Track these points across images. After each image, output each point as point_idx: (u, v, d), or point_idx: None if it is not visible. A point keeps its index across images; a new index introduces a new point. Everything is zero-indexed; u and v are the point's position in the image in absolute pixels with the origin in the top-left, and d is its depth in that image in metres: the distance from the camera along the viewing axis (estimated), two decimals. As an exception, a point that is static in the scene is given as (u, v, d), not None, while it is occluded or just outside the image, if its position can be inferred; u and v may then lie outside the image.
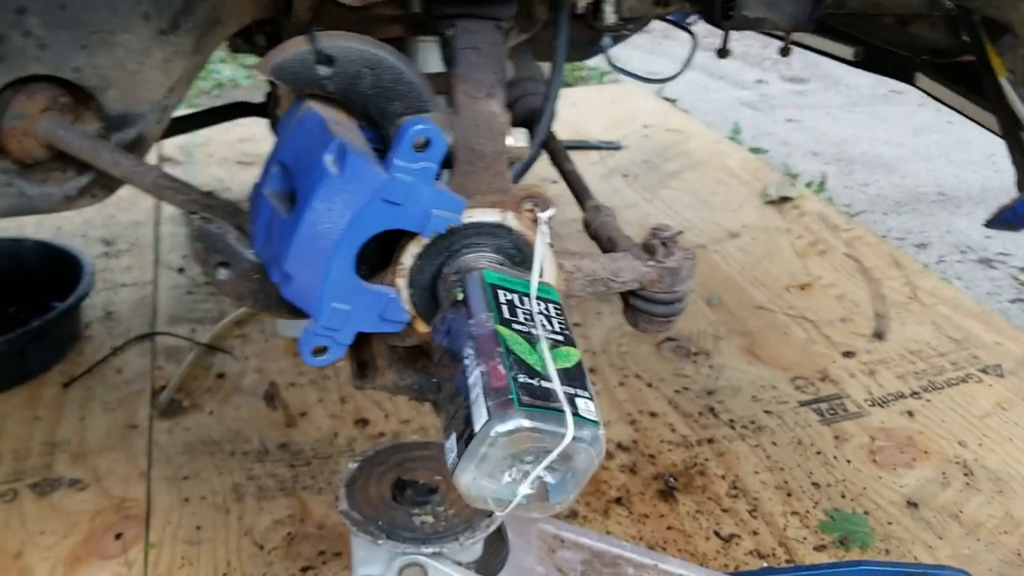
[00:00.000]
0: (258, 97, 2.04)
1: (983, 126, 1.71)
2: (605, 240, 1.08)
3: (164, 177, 1.10)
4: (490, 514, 1.08)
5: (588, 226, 1.12)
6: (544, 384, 0.76)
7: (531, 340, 0.80)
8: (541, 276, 0.90)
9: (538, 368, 0.77)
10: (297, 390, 2.03)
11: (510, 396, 0.73)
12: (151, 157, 1.25)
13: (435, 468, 1.15)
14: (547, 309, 0.85)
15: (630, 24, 1.33)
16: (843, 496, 1.80)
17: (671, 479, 1.83)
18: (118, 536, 1.62)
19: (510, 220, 0.91)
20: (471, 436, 0.74)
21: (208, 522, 1.67)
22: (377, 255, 0.93)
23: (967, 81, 1.81)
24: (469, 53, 0.90)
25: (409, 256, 0.90)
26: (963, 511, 1.77)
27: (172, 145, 3.29)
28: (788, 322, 2.37)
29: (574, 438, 0.73)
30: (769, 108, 4.48)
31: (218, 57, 4.28)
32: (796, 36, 1.85)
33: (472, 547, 1.09)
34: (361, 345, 1.04)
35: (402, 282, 0.91)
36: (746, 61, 5.07)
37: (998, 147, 1.46)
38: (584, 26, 1.29)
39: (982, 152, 3.71)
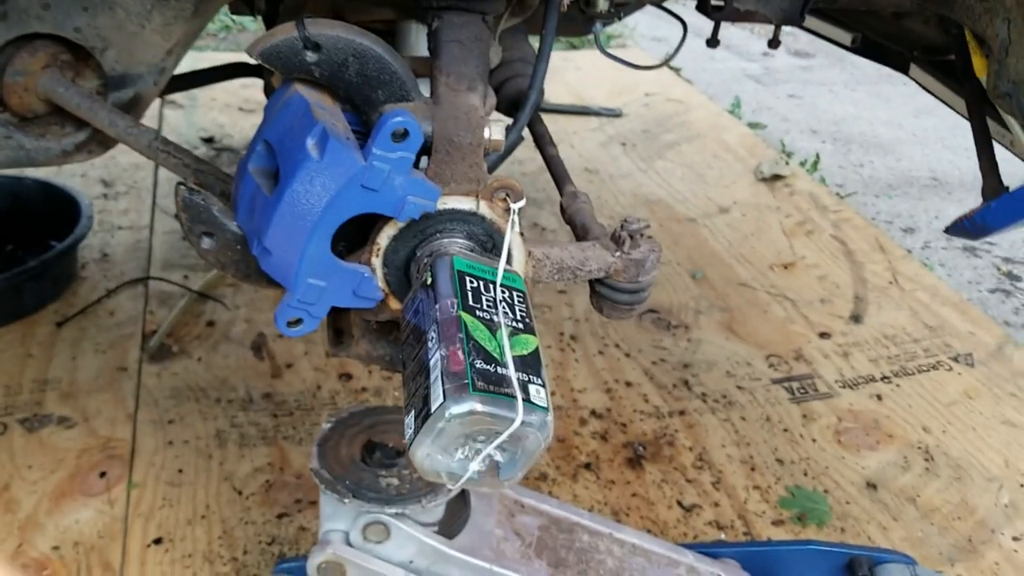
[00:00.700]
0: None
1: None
2: (579, 227, 1.12)
3: (158, 140, 1.13)
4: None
5: (564, 212, 1.16)
6: (500, 370, 0.81)
7: (492, 327, 0.85)
8: (510, 264, 0.95)
9: (496, 354, 0.83)
10: (284, 342, 2.08)
11: (466, 381, 0.79)
12: (155, 100, 1.28)
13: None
14: (511, 297, 0.90)
15: (622, 11, 1.36)
16: (805, 474, 1.86)
17: (640, 448, 1.89)
18: (102, 474, 1.69)
19: (483, 208, 0.95)
20: (428, 415, 0.79)
21: (190, 466, 1.73)
22: (356, 233, 0.97)
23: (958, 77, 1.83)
24: (452, 46, 0.94)
25: (385, 237, 0.95)
26: (920, 495, 1.83)
27: (176, 87, 3.31)
28: (769, 300, 2.42)
29: (523, 423, 0.79)
30: (772, 82, 4.49)
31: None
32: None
33: (434, 509, 1.15)
34: (339, 313, 1.09)
35: (377, 261, 0.96)
36: (754, 31, 5.06)
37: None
38: (577, 10, 1.32)
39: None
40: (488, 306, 0.87)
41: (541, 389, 0.83)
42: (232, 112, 3.24)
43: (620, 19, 1.30)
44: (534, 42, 1.61)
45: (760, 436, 1.95)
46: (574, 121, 3.45)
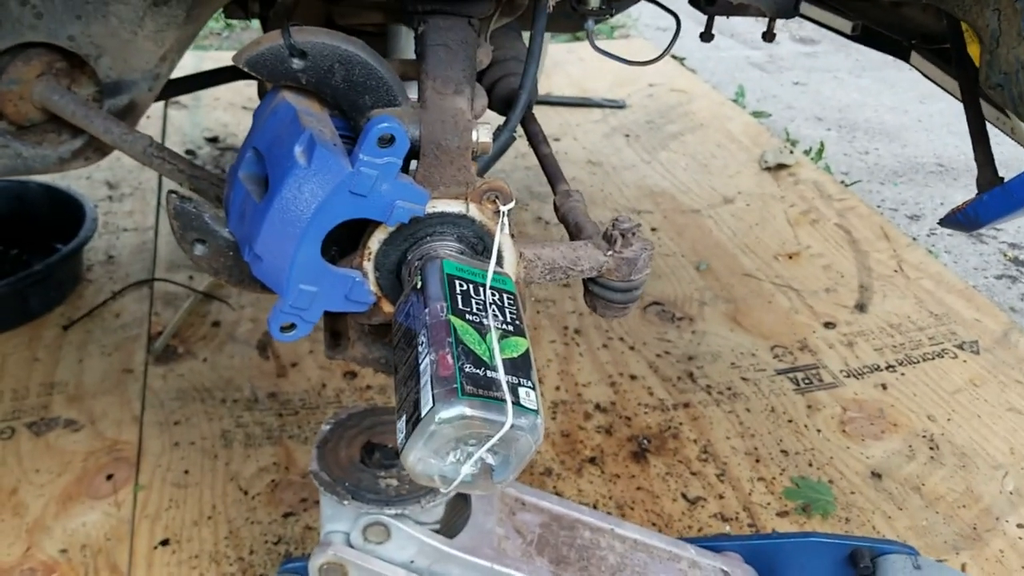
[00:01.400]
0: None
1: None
2: (572, 225, 1.12)
3: (153, 146, 1.14)
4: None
5: (557, 210, 1.17)
6: (489, 374, 0.82)
7: (482, 330, 0.86)
8: (500, 266, 0.95)
9: (485, 358, 0.83)
10: (290, 341, 2.09)
11: (455, 385, 0.79)
12: (158, 101, 1.29)
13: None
14: (501, 299, 0.91)
15: (614, 7, 1.36)
16: (810, 464, 1.86)
17: (645, 441, 1.89)
18: (109, 477, 1.70)
19: (472, 211, 0.96)
20: (418, 420, 0.80)
21: (196, 466, 1.74)
22: (348, 237, 0.98)
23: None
24: (439, 50, 0.94)
25: (376, 241, 0.96)
26: (925, 484, 1.83)
27: (179, 87, 3.32)
28: (773, 290, 2.42)
29: (512, 426, 0.79)
30: (777, 70, 4.47)
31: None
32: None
33: (433, 509, 1.16)
34: (335, 316, 1.10)
35: (369, 266, 0.96)
36: (758, 19, 5.03)
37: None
38: (569, 8, 1.32)
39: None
40: (478, 309, 0.88)
41: (531, 391, 0.83)
42: (236, 111, 3.24)
43: (612, 15, 1.30)
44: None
45: (765, 427, 1.95)
46: (577, 113, 3.45)
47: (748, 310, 2.34)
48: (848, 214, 2.80)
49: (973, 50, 1.39)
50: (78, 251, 2.19)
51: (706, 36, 1.73)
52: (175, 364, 2.01)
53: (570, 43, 4.12)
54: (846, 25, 2.07)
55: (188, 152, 2.96)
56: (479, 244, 0.98)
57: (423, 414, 0.79)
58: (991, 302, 2.43)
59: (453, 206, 0.96)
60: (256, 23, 4.39)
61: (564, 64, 3.86)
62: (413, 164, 0.96)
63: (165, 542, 1.59)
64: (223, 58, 2.18)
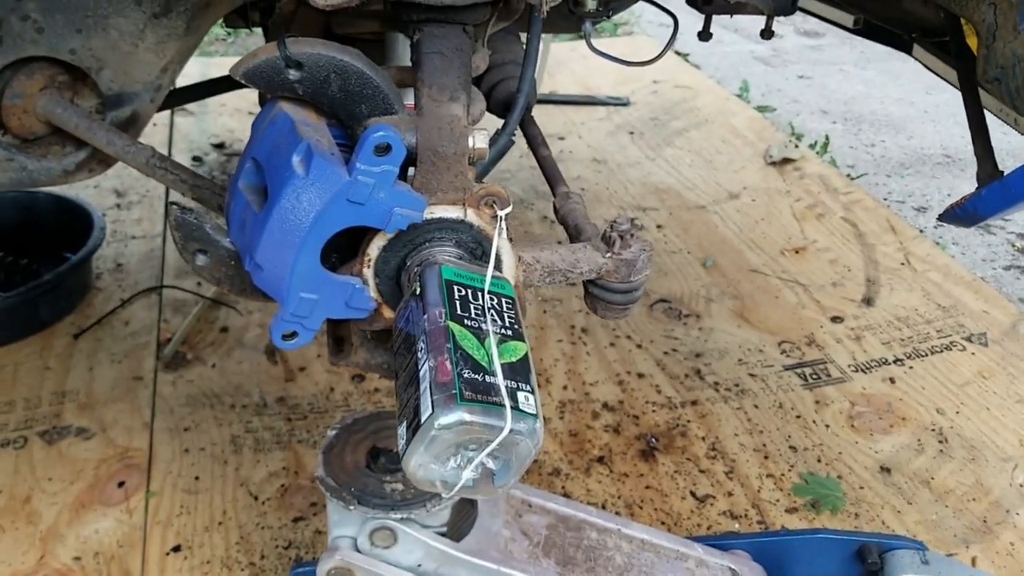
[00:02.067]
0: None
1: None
2: (571, 227, 1.13)
3: (156, 157, 1.15)
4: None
5: (557, 212, 1.17)
6: (488, 379, 0.82)
7: (480, 335, 0.86)
8: (499, 270, 0.96)
9: (484, 363, 0.84)
10: (297, 345, 2.10)
11: (454, 391, 0.80)
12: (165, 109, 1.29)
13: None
14: (499, 304, 0.91)
15: (611, 8, 1.36)
16: (819, 460, 1.86)
17: (653, 439, 1.89)
18: (121, 484, 1.72)
19: (470, 216, 0.96)
20: (418, 426, 0.80)
21: (206, 472, 1.75)
22: (348, 245, 0.99)
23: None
24: (434, 58, 0.95)
25: (375, 248, 0.96)
26: (934, 478, 1.83)
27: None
28: (780, 286, 2.42)
29: (511, 431, 0.80)
30: (781, 64, 4.46)
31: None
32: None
33: (439, 512, 1.17)
34: (338, 322, 1.11)
35: (368, 272, 0.97)
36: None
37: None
38: (566, 10, 1.32)
39: (990, 115, 3.68)
40: (476, 314, 0.88)
41: (530, 396, 0.84)
42: (242, 117, 3.26)
43: (609, 17, 1.30)
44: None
45: (773, 423, 1.95)
46: (581, 111, 3.45)
47: (755, 306, 2.34)
48: (854, 207, 2.80)
49: (973, 42, 1.39)
50: (87, 260, 2.20)
51: (704, 35, 1.73)
52: (184, 370, 2.02)
53: (573, 42, 4.12)
54: (847, 19, 2.07)
55: (195, 159, 2.98)
56: (478, 249, 0.98)
57: (423, 420, 0.80)
58: (999, 293, 2.43)
59: (451, 212, 0.96)
60: (259, 30, 4.41)
61: (568, 62, 3.86)
62: (411, 171, 0.97)
63: (177, 548, 1.60)
64: (228, 64, 2.19)
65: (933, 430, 1.95)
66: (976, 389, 2.07)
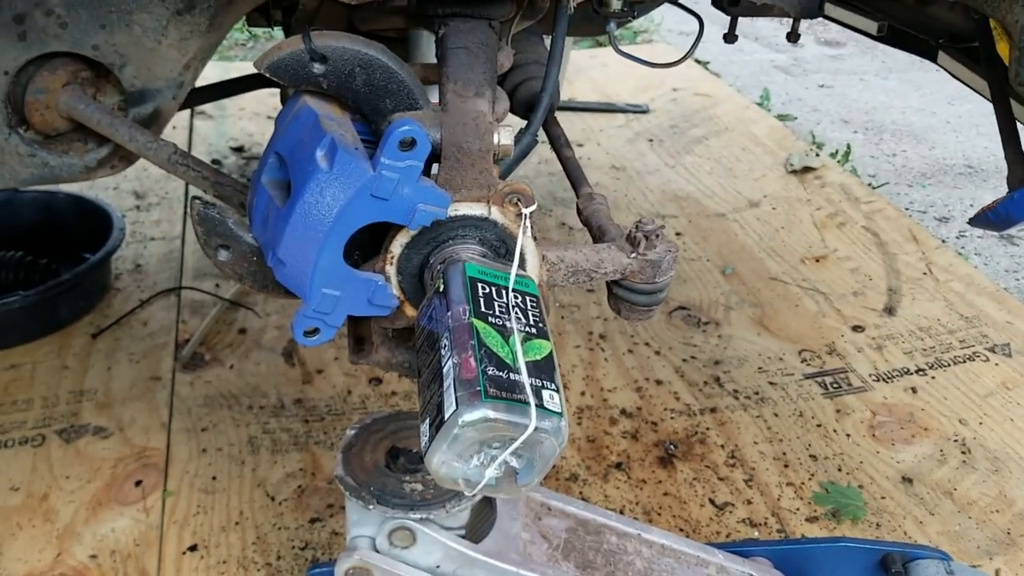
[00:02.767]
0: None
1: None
2: (595, 228, 1.12)
3: (177, 154, 1.15)
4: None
5: (580, 213, 1.16)
6: (512, 376, 0.81)
7: (504, 333, 0.85)
8: (523, 268, 0.95)
9: (508, 360, 0.83)
10: (315, 348, 2.10)
11: (478, 388, 0.79)
12: (184, 112, 1.29)
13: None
14: (523, 302, 0.90)
15: (636, 9, 1.35)
16: (839, 469, 1.84)
17: (671, 446, 1.88)
18: (138, 483, 1.71)
19: (495, 214, 0.96)
20: (441, 423, 0.79)
21: (223, 473, 1.75)
22: (371, 241, 0.98)
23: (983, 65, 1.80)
24: (459, 52, 0.94)
25: (398, 245, 0.96)
26: (957, 488, 1.81)
27: (205, 98, 3.35)
28: (800, 294, 2.40)
29: (536, 429, 0.79)
30: (802, 73, 4.45)
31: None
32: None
33: (459, 514, 1.16)
34: (359, 321, 1.10)
35: (391, 269, 0.96)
36: (783, 21, 5.01)
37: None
38: (591, 10, 1.32)
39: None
40: (500, 312, 0.87)
41: (555, 394, 0.83)
42: (261, 120, 3.26)
43: (635, 18, 1.30)
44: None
45: (793, 432, 1.93)
46: (600, 119, 3.44)
47: (775, 314, 2.32)
48: (875, 216, 2.78)
49: (1002, 48, 1.38)
50: (106, 260, 2.21)
51: (730, 37, 1.72)
52: (202, 371, 2.02)
53: (593, 49, 4.12)
54: (871, 26, 2.05)
55: (214, 162, 2.99)
56: (501, 247, 0.97)
57: (446, 417, 0.79)
58: (1023, 304, 2.40)
59: (475, 209, 0.95)
60: (279, 32, 4.43)
61: (587, 70, 3.85)
62: (435, 167, 0.96)
63: (193, 548, 1.59)
64: (248, 69, 2.19)
65: (956, 441, 1.92)
66: (999, 400, 2.04)
